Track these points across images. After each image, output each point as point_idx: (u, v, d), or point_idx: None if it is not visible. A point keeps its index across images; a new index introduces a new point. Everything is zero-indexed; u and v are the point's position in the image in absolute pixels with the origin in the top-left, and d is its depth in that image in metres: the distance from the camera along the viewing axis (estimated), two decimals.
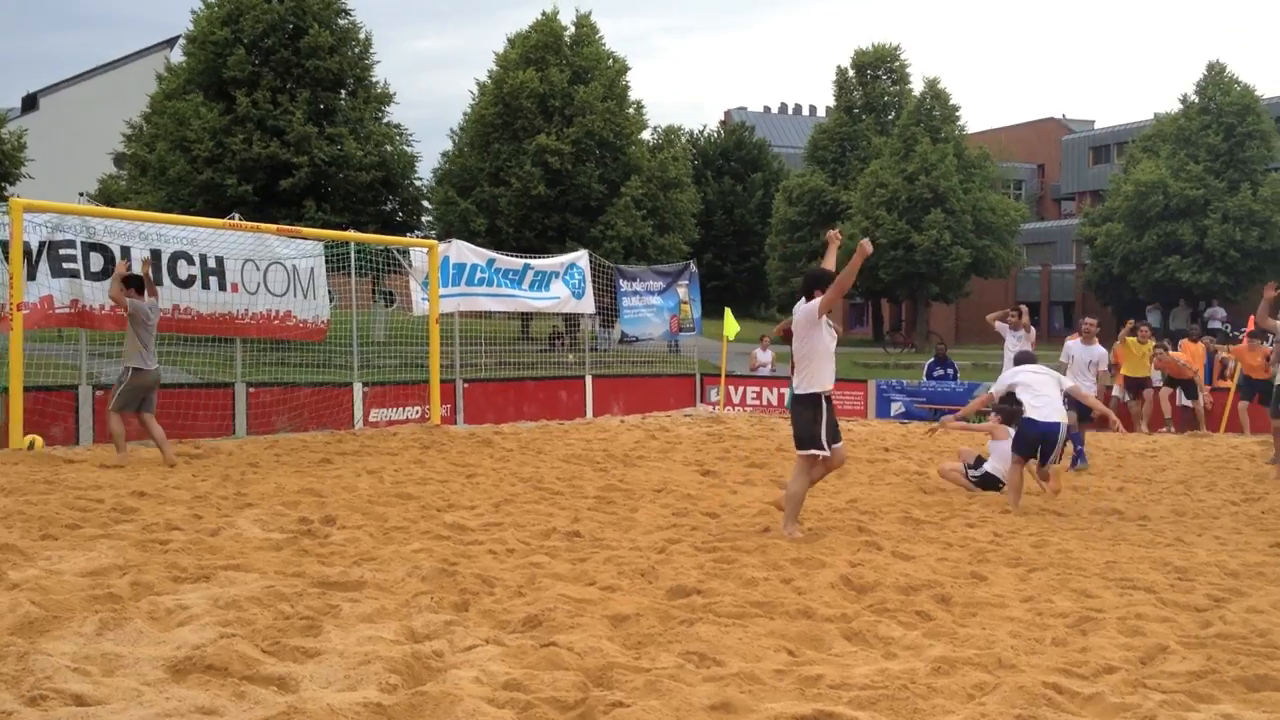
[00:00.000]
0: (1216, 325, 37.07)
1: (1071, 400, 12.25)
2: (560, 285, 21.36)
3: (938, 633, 6.32)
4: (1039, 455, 11.32)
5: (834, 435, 9.28)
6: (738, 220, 60.61)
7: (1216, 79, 45.55)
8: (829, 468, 9.57)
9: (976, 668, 5.56)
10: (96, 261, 15.13)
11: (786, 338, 10.06)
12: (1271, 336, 16.02)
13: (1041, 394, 11.36)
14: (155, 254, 15.72)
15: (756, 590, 7.17)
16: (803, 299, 9.39)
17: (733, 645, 5.84)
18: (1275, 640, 6.26)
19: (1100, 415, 12.11)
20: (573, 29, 40.77)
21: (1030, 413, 11.24)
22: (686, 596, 6.96)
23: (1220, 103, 44.72)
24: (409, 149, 37.30)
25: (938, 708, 5.00)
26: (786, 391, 19.98)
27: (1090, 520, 10.61)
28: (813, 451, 9.15)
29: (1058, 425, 11.18)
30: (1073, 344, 15.96)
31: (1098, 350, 15.75)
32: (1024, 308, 18.48)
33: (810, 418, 9.16)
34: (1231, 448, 17.20)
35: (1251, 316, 17.50)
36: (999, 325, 18.35)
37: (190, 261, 16.18)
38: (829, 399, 9.25)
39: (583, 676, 5.27)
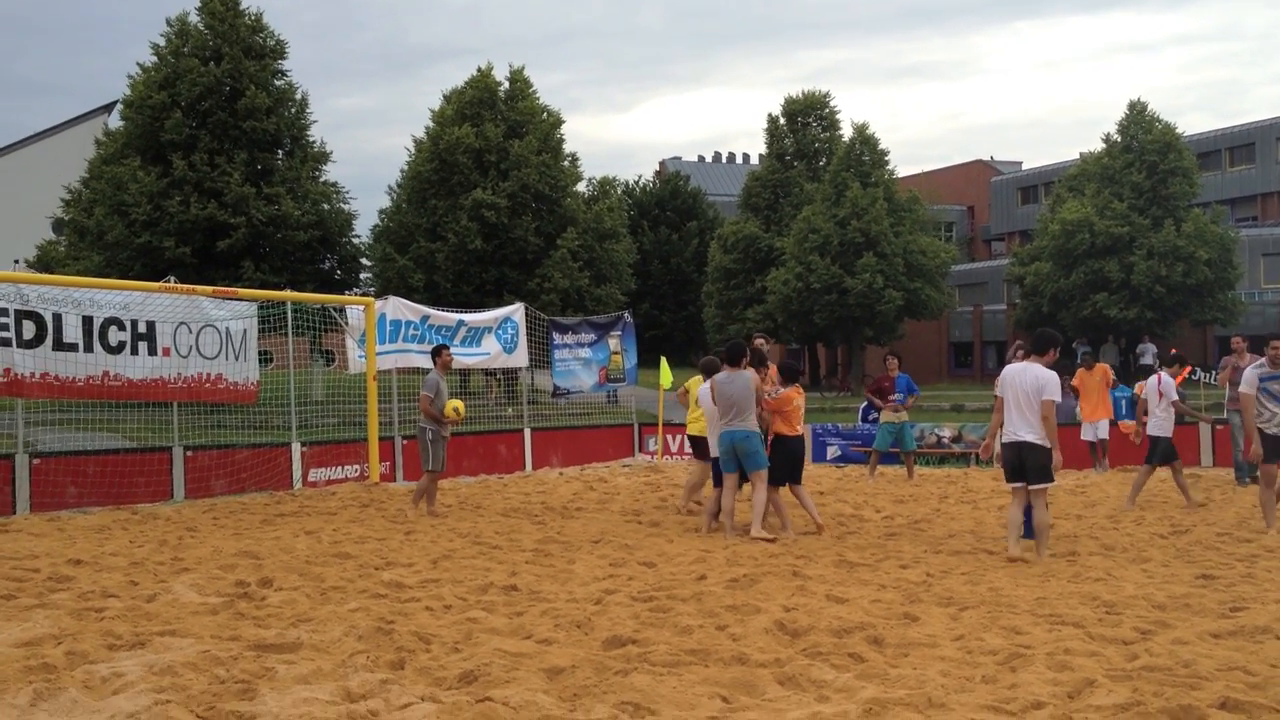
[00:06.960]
0: (1148, 361, 37.45)
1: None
2: (492, 340, 21.45)
3: (870, 674, 6.41)
4: None
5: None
6: (674, 269, 60.91)
7: (1138, 118, 45.98)
8: None
9: (907, 708, 5.65)
10: (29, 329, 15.01)
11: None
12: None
13: None
14: (87, 320, 15.61)
15: (691, 638, 7.22)
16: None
17: (667, 694, 5.90)
18: (1199, 671, 6.39)
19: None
20: (507, 84, 40.96)
21: None
22: (622, 647, 7.01)
23: (1142, 141, 45.20)
24: (346, 207, 37.35)
25: None
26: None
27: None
28: None
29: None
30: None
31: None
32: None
33: None
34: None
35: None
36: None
37: (121, 327, 16.07)
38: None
39: None
